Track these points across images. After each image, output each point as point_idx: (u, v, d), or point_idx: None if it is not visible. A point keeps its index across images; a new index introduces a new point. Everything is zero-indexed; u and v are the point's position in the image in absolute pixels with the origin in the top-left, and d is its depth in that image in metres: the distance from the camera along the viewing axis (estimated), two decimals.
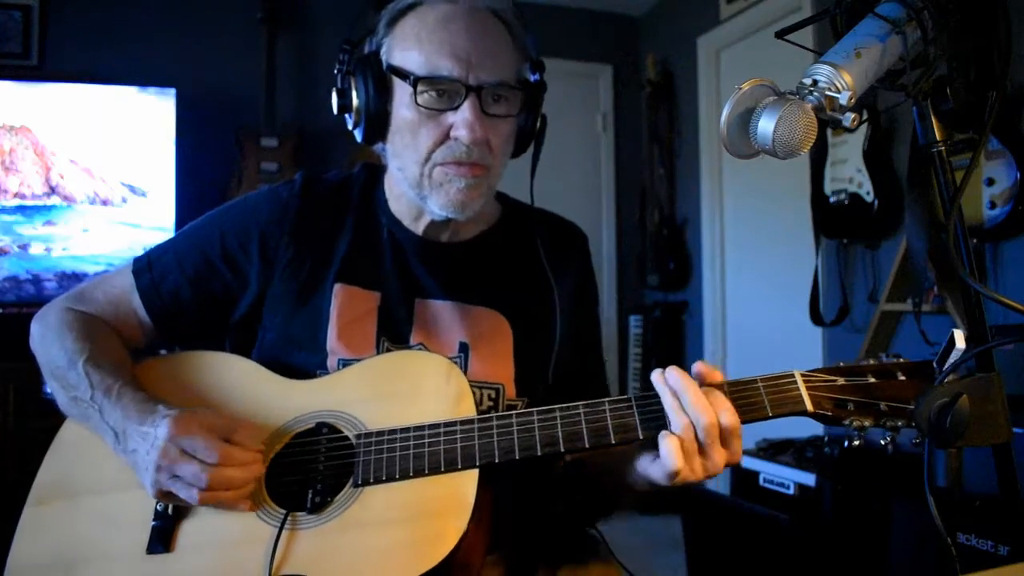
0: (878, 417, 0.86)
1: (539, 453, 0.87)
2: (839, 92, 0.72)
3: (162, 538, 0.90)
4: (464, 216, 1.02)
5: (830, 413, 0.86)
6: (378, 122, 1.00)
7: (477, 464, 0.88)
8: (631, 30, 4.31)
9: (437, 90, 0.96)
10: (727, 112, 0.74)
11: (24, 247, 2.87)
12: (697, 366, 0.88)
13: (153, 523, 0.91)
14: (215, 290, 1.07)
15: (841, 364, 0.90)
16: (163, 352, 1.10)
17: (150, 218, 2.99)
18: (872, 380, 0.87)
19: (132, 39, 3.28)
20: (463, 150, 0.97)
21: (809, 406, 0.86)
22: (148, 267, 1.07)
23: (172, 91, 3.03)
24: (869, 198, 2.61)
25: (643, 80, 4.04)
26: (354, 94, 1.00)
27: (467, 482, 0.87)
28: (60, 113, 2.91)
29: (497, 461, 0.88)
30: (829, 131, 2.20)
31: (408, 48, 0.98)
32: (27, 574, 0.91)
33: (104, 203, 2.95)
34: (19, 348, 1.10)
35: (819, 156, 2.77)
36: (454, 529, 0.84)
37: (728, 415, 0.83)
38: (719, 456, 0.84)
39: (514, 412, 0.90)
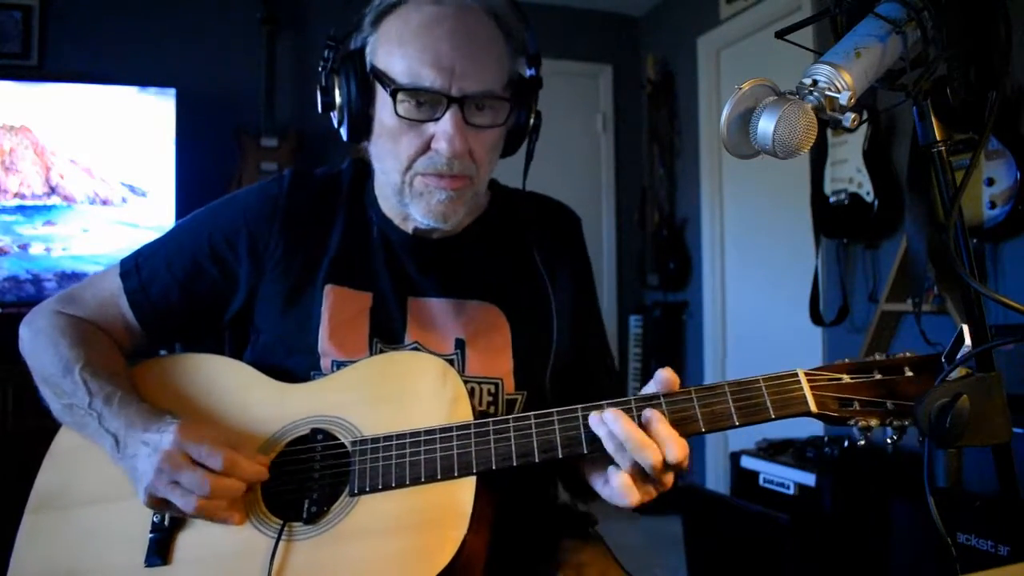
0: (884, 416, 0.84)
1: (536, 459, 0.85)
2: (839, 92, 0.72)
3: (160, 550, 0.88)
4: (448, 225, 1.00)
5: (835, 414, 0.84)
6: (361, 123, 0.98)
7: (474, 471, 0.86)
8: (631, 30, 4.31)
9: (418, 100, 0.93)
10: (727, 112, 0.74)
11: (24, 247, 2.86)
12: (662, 379, 0.86)
13: (150, 535, 0.89)
14: (204, 291, 1.05)
15: (847, 360, 0.87)
16: (163, 352, 1.09)
17: (150, 218, 2.98)
18: (878, 376, 0.85)
19: (132, 39, 3.28)
20: (444, 162, 0.94)
21: (813, 407, 0.83)
22: (136, 270, 1.05)
23: (172, 91, 3.03)
24: (869, 198, 2.61)
25: (643, 80, 4.04)
26: (337, 93, 0.98)
27: (464, 490, 0.85)
28: (60, 113, 2.91)
29: (494, 468, 0.86)
30: (829, 131, 2.20)
31: (391, 51, 0.94)
32: None
33: (104, 203, 2.95)
34: (18, 349, 1.10)
35: (819, 156, 2.77)
36: (452, 539, 0.82)
37: (675, 450, 0.80)
38: (668, 478, 0.83)
39: (511, 417, 0.88)
